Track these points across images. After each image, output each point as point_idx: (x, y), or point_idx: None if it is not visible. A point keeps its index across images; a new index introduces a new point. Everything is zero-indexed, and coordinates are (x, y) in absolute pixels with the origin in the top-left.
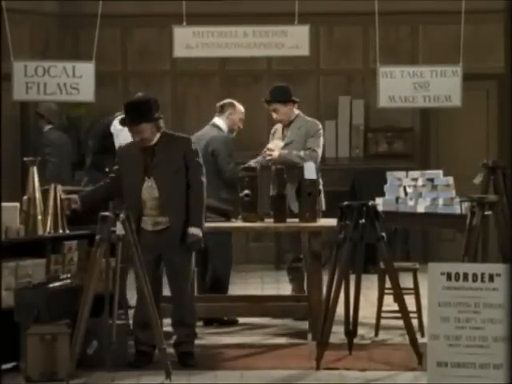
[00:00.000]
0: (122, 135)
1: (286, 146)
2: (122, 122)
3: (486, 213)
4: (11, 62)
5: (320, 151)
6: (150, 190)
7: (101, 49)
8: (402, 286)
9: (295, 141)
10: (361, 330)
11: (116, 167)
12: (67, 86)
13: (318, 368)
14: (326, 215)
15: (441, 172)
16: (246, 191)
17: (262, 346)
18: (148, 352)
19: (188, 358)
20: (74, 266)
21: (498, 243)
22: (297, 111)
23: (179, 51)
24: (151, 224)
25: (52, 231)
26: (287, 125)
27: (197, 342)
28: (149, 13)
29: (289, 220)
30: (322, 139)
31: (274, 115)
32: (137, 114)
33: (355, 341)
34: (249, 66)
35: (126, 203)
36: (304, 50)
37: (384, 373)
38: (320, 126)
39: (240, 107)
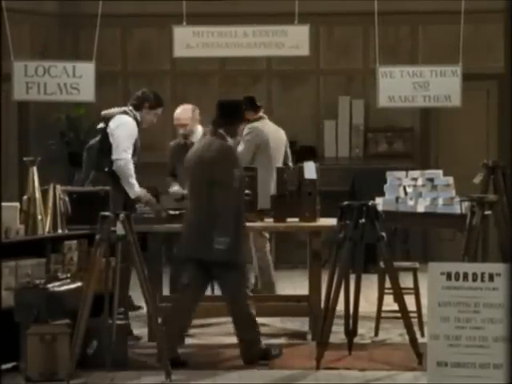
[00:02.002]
0: (116, 133)
1: None
2: None
3: (486, 212)
4: (11, 61)
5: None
6: None
7: (101, 49)
8: (401, 285)
9: None
10: (361, 330)
11: None
12: (67, 85)
13: (317, 368)
14: (324, 215)
15: (441, 172)
16: (246, 191)
17: None
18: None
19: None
20: (74, 265)
21: (498, 243)
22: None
23: (179, 51)
24: None
25: (52, 231)
26: None
27: (197, 341)
28: (149, 13)
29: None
30: (244, 144)
31: None
32: None
33: (355, 341)
34: (248, 65)
35: None
36: (304, 50)
37: (384, 373)
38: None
39: None
